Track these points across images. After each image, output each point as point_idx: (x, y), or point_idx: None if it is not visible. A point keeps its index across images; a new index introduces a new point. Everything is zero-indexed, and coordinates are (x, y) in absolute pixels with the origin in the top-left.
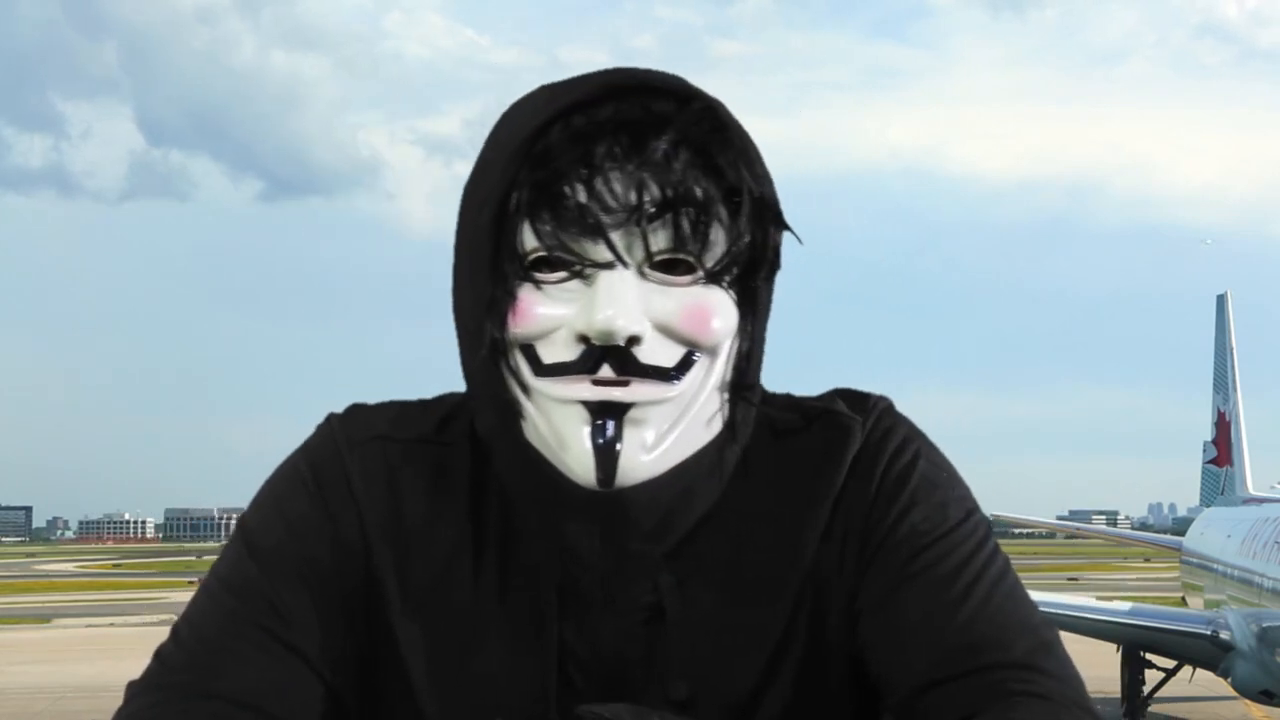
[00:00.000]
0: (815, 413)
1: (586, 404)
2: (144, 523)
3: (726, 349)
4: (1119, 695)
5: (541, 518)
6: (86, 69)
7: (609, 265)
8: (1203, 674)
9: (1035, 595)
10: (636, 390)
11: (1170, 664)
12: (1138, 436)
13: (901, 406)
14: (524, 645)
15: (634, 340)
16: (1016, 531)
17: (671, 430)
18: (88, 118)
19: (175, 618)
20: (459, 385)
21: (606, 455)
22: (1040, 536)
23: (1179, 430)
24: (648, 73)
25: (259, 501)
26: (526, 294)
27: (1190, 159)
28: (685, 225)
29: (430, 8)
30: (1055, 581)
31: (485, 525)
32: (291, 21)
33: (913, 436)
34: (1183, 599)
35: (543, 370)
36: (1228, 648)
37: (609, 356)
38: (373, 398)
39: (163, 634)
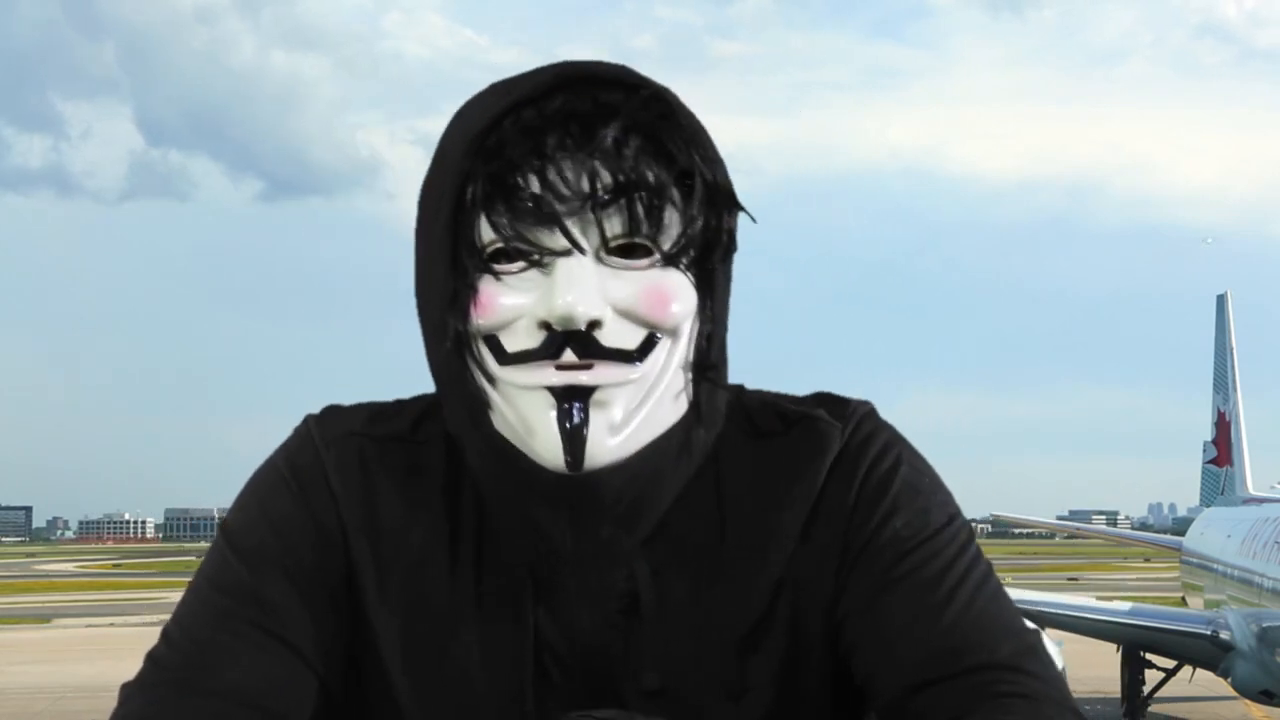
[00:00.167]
0: (795, 416)
1: (552, 389)
2: (144, 523)
3: (688, 331)
4: (1119, 695)
5: (514, 509)
6: (86, 69)
7: (566, 252)
8: (1203, 674)
9: (1035, 595)
10: (600, 373)
11: (1170, 664)
12: (1138, 436)
13: (901, 406)
14: (500, 636)
15: (595, 324)
16: (1016, 531)
17: (638, 411)
18: (87, 118)
19: (174, 610)
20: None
21: (574, 438)
22: (1040, 536)
23: (1179, 430)
24: (596, 64)
25: (240, 503)
26: (487, 286)
27: (1190, 159)
28: (639, 209)
29: (430, 8)
30: (1055, 581)
31: (460, 521)
32: (291, 21)
33: (894, 442)
34: (1183, 599)
35: (507, 359)
36: (1228, 648)
37: (571, 341)
38: (373, 398)
39: None
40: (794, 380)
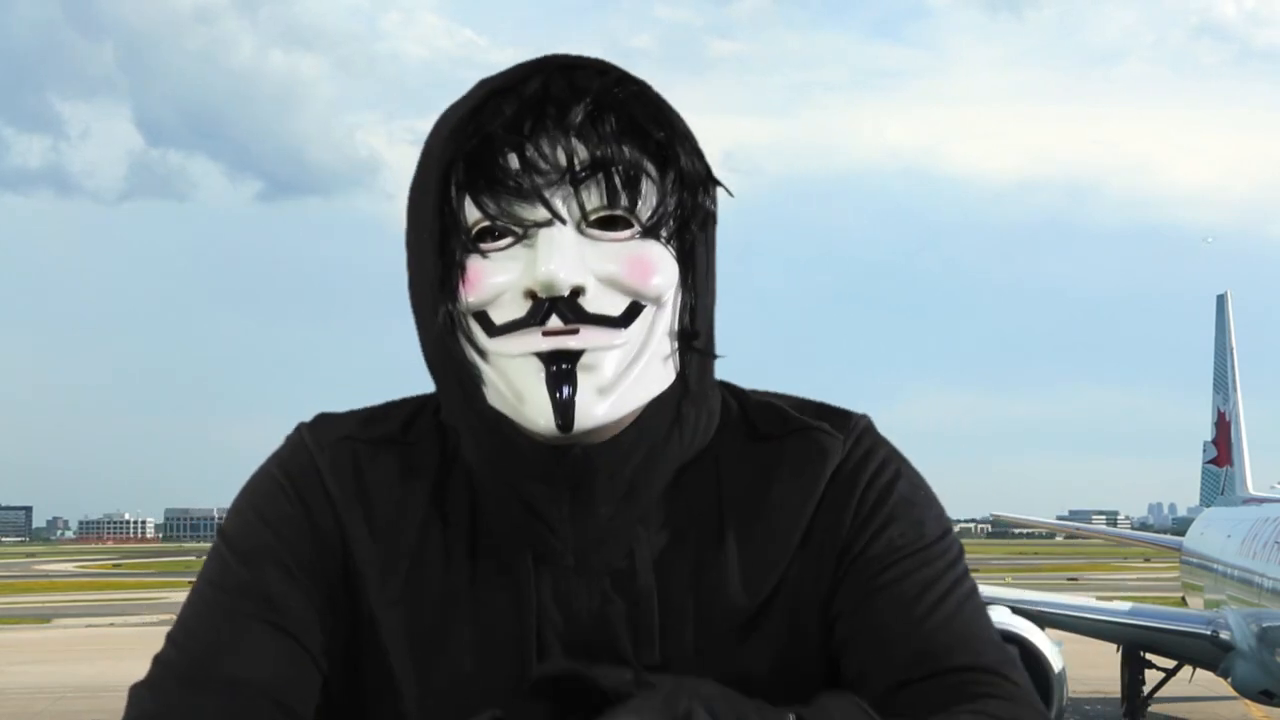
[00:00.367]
0: (798, 424)
1: (540, 355)
2: (144, 523)
3: (671, 300)
4: (1119, 695)
5: (509, 488)
6: (85, 69)
7: (548, 223)
8: (1203, 674)
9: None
10: (586, 337)
11: (1170, 664)
12: (1138, 436)
13: (901, 406)
14: (501, 618)
15: (578, 291)
16: (1016, 531)
17: (626, 374)
18: (86, 118)
19: (175, 618)
20: None
21: (563, 401)
22: (1040, 536)
23: (1179, 430)
24: (572, 55)
25: (236, 509)
26: (474, 264)
27: (1189, 159)
28: (616, 181)
29: (428, 8)
30: (1055, 581)
31: (454, 512)
32: (289, 21)
33: (892, 457)
34: (1183, 599)
35: (495, 331)
36: (1228, 648)
37: (557, 308)
38: (372, 398)
39: (163, 634)
40: (794, 380)
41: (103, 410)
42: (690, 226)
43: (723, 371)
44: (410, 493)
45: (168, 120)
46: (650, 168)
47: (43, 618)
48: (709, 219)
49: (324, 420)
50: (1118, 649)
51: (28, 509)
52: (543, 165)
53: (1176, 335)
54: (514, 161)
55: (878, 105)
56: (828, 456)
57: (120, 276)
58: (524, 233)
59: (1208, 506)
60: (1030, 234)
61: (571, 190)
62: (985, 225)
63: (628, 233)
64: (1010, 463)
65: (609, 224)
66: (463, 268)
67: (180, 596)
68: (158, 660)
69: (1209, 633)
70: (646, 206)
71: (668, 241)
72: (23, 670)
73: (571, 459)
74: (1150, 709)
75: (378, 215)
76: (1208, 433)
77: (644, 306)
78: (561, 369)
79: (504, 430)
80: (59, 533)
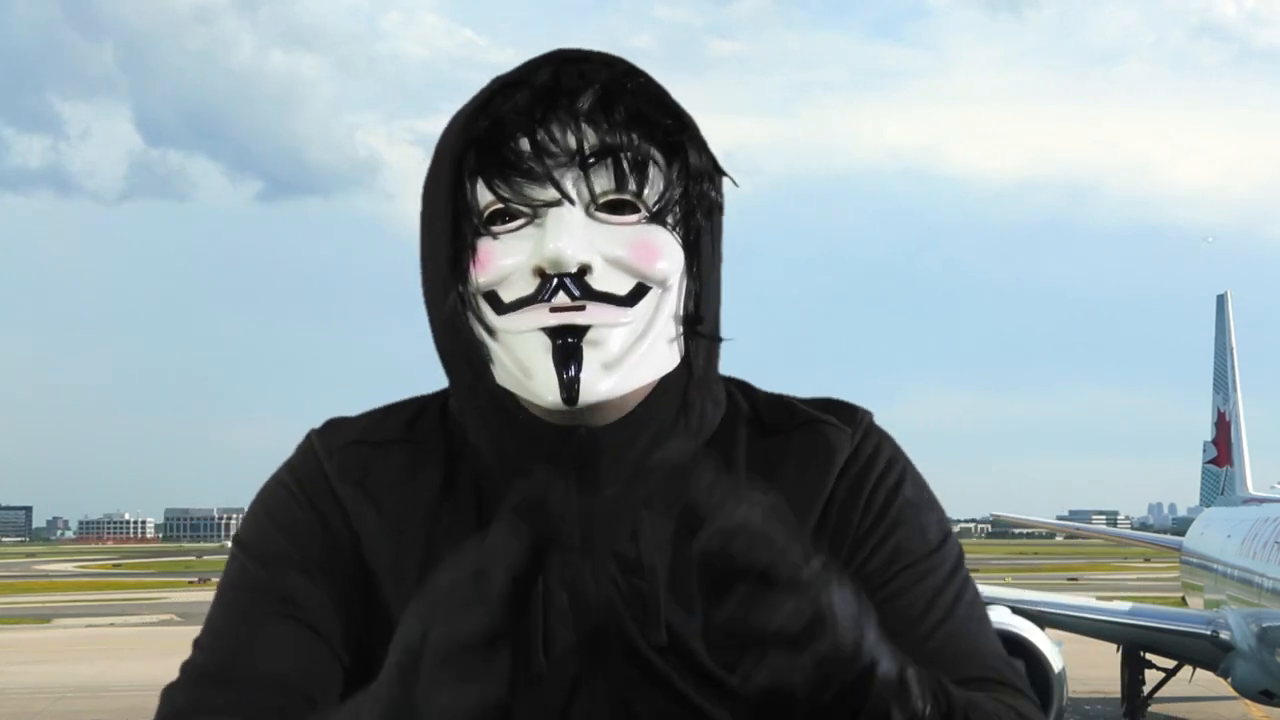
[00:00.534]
0: (805, 417)
1: (546, 330)
2: (144, 523)
3: (677, 285)
4: (1119, 695)
5: (516, 470)
6: (85, 69)
7: (557, 203)
8: (1203, 674)
9: (1035, 595)
10: (593, 313)
11: (1170, 664)
12: (1138, 436)
13: (901, 406)
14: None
15: (585, 269)
16: (1016, 531)
17: (631, 352)
18: (86, 118)
19: (175, 617)
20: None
21: (569, 375)
22: (1040, 536)
23: (1179, 430)
24: (580, 49)
25: (251, 516)
26: (485, 245)
27: (1189, 159)
28: (625, 166)
29: (428, 8)
30: (1055, 581)
31: (461, 503)
32: (289, 21)
33: (897, 457)
34: (1183, 599)
35: (504, 309)
36: (1228, 648)
37: (564, 285)
38: (372, 398)
39: (163, 634)
40: (794, 380)
41: (103, 410)
42: (696, 215)
43: (723, 370)
44: (418, 488)
45: (168, 120)
46: (658, 156)
47: (43, 618)
48: (715, 209)
49: (333, 425)
50: (1118, 649)
51: (28, 509)
52: (553, 149)
53: (1176, 335)
54: (525, 145)
55: (878, 105)
56: (835, 452)
57: (120, 276)
58: (534, 213)
59: (1208, 506)
60: (1030, 234)
61: (581, 174)
62: (985, 225)
63: (635, 217)
64: (1010, 463)
65: (617, 208)
66: (474, 249)
67: (180, 596)
68: (186, 664)
69: (1209, 633)
70: (653, 193)
71: (674, 228)
72: (23, 670)
73: (578, 439)
74: (1150, 709)
75: (378, 215)
76: (1208, 433)
77: (649, 289)
78: (568, 343)
79: (511, 409)
80: (59, 533)
